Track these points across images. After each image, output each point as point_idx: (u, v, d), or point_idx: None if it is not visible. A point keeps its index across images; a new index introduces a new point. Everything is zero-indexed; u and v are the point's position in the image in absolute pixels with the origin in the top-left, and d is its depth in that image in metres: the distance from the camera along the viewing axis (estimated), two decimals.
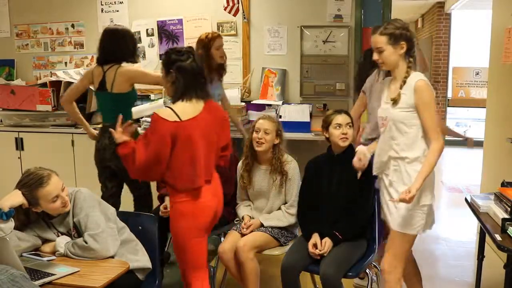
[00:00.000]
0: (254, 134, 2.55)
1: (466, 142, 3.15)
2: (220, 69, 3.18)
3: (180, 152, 1.97)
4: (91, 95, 3.84)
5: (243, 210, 2.66)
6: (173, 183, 2.01)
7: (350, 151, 2.42)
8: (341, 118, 2.39)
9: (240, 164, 2.69)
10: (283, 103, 3.89)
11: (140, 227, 2.17)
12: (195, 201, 2.03)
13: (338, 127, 2.38)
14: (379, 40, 2.04)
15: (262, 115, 2.63)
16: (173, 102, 2.04)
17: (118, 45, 2.80)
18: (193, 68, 2.03)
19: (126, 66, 2.81)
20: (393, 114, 2.04)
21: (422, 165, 1.98)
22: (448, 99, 7.92)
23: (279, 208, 2.59)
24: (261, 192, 2.62)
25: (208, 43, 3.09)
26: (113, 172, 2.85)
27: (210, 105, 2.09)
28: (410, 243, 2.11)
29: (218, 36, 3.14)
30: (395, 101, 2.02)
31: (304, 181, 2.52)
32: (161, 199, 2.77)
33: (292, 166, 2.57)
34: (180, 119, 1.97)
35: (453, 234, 3.88)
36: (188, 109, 2.01)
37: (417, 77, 2.01)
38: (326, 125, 2.43)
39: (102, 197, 2.76)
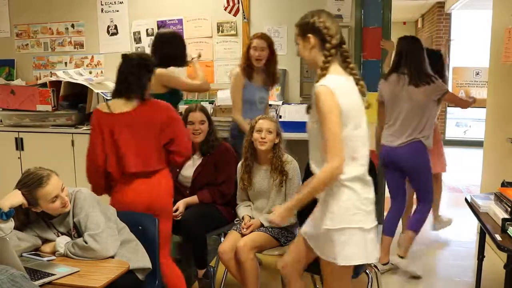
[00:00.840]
0: (256, 134, 2.55)
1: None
2: (273, 76, 3.17)
3: (107, 141, 2.23)
4: (91, 95, 3.84)
5: (243, 210, 2.66)
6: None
7: None
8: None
9: (239, 165, 2.69)
10: (283, 103, 3.88)
11: (140, 227, 2.17)
12: (113, 191, 2.28)
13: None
14: (295, 31, 1.78)
15: (260, 115, 2.64)
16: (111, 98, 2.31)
17: (168, 49, 2.93)
18: (124, 70, 2.28)
19: (160, 70, 2.83)
20: (307, 126, 1.75)
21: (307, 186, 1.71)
22: None
23: None
24: (261, 192, 2.62)
25: (249, 42, 3.15)
26: None
27: (150, 104, 2.27)
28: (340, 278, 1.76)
29: (257, 36, 3.12)
30: (307, 110, 1.73)
31: (304, 180, 2.50)
32: None
33: (293, 166, 2.57)
34: (111, 111, 2.24)
35: (453, 234, 3.87)
36: (121, 104, 2.25)
37: (322, 82, 1.67)
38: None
39: None
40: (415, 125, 2.90)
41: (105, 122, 2.23)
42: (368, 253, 1.71)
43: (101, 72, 4.41)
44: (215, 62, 4.20)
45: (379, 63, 3.78)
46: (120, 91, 2.27)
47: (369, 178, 1.78)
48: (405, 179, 3.07)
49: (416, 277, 3.02)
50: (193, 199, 2.74)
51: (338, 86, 1.67)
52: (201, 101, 3.96)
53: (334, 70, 1.73)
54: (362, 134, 1.75)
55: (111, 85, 4.29)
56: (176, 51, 3.00)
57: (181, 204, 2.69)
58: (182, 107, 3.79)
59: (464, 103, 3.25)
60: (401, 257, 3.08)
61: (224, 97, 3.91)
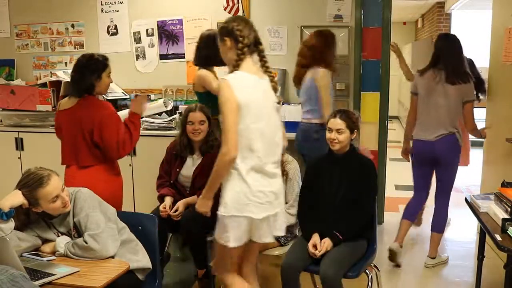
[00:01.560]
0: None
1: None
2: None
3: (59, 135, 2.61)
4: None
5: None
6: None
7: (351, 151, 2.42)
8: (332, 123, 2.38)
9: None
10: (283, 104, 3.86)
11: (140, 227, 2.17)
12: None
13: (329, 131, 2.39)
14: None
15: None
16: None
17: (209, 50, 2.98)
18: (72, 71, 2.55)
19: (200, 70, 3.08)
20: None
21: None
22: None
23: None
24: None
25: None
26: None
27: (86, 102, 2.47)
28: (224, 253, 1.94)
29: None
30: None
31: (305, 181, 2.51)
32: (161, 199, 2.78)
33: (293, 166, 2.57)
34: (59, 109, 2.58)
35: (453, 234, 3.87)
36: (66, 102, 2.57)
37: (226, 76, 1.84)
38: (326, 126, 2.43)
39: None
40: (450, 120, 3.00)
41: (57, 118, 2.61)
42: (257, 238, 1.94)
43: None
44: None
45: (379, 63, 3.78)
46: (69, 90, 2.60)
47: (271, 171, 1.92)
48: (433, 173, 3.17)
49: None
50: (193, 199, 2.73)
51: (239, 81, 1.84)
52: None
53: (245, 67, 1.90)
54: (262, 127, 1.89)
55: (110, 85, 4.30)
56: (216, 52, 3.02)
57: (180, 204, 2.69)
58: (182, 107, 3.81)
59: (470, 127, 3.10)
60: (433, 258, 3.21)
61: None
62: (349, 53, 3.85)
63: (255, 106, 1.86)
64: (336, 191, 2.38)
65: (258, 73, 1.95)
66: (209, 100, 2.96)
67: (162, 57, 4.27)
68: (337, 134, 2.35)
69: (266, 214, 1.91)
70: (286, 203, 2.57)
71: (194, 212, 2.63)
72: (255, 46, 1.95)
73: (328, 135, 2.39)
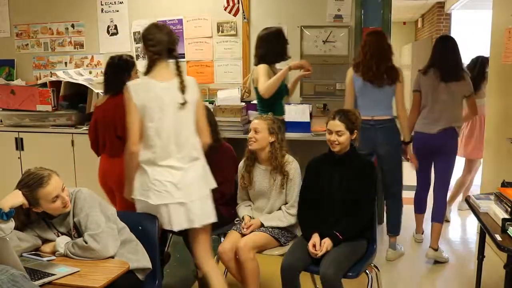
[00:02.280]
0: (249, 134, 2.56)
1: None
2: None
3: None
4: (91, 95, 3.84)
5: (243, 210, 2.66)
6: None
7: (351, 152, 2.42)
8: (332, 125, 2.38)
9: (241, 164, 2.69)
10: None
11: (140, 227, 2.17)
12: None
13: (329, 132, 2.39)
14: None
15: (257, 115, 2.64)
16: None
17: (269, 46, 3.12)
18: (105, 71, 2.93)
19: (260, 66, 3.12)
20: None
21: None
22: None
23: (280, 209, 2.59)
24: (261, 192, 2.62)
25: None
26: None
27: (117, 99, 2.67)
28: None
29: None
30: None
31: (305, 181, 2.51)
32: None
33: (293, 167, 2.57)
34: (95, 105, 3.01)
35: (453, 234, 3.87)
36: (101, 99, 2.99)
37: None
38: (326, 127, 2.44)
39: None
40: (452, 114, 3.20)
41: (94, 113, 2.97)
42: (176, 224, 2.22)
43: (101, 72, 4.40)
44: (215, 62, 4.20)
45: None
46: (103, 88, 2.93)
47: (175, 164, 2.20)
48: (432, 165, 3.35)
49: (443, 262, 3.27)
50: None
51: (137, 86, 2.17)
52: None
53: (155, 72, 2.19)
54: (158, 126, 2.17)
55: None
56: (275, 48, 3.16)
57: None
58: None
59: (475, 114, 3.43)
60: (435, 250, 3.29)
61: (224, 97, 3.92)
62: (349, 53, 3.86)
63: (151, 107, 2.14)
64: (336, 191, 2.38)
65: (167, 77, 2.19)
66: (275, 95, 3.08)
67: None
68: (337, 136, 2.36)
69: (163, 202, 2.17)
70: (287, 203, 2.58)
71: None
72: (169, 52, 2.21)
73: (327, 136, 2.40)
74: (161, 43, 2.18)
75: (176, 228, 2.22)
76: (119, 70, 2.83)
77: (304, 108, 3.73)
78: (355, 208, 2.35)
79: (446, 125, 3.19)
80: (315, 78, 3.95)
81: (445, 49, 3.22)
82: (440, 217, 3.30)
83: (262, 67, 3.10)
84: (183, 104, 2.18)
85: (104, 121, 2.86)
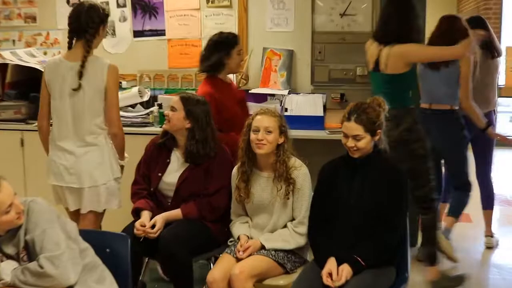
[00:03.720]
0: (252, 135, 2.55)
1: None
2: None
3: None
4: None
5: (239, 228, 2.66)
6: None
7: (375, 154, 2.43)
8: (347, 128, 2.40)
9: (234, 171, 2.69)
10: (289, 93, 3.91)
11: (108, 250, 2.17)
12: None
13: (345, 136, 2.41)
14: None
15: (260, 109, 2.63)
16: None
17: (405, 21, 3.08)
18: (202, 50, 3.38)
19: (401, 46, 3.06)
20: None
21: None
22: (500, 87, 7.90)
23: (285, 226, 2.59)
24: (262, 205, 2.62)
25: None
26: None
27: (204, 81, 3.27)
28: None
29: None
30: None
31: (317, 191, 2.52)
32: (136, 213, 2.78)
33: (302, 173, 2.57)
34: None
35: (506, 260, 3.89)
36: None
37: None
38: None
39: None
40: (486, 96, 3.76)
41: None
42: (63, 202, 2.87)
43: (59, 52, 4.42)
44: (203, 41, 4.19)
45: None
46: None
47: (68, 148, 2.78)
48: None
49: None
50: (176, 213, 2.74)
51: (50, 62, 2.89)
52: (186, 89, 3.97)
53: (70, 52, 2.81)
54: (57, 106, 2.80)
55: None
56: (411, 24, 3.13)
57: (159, 219, 2.69)
58: (162, 97, 3.80)
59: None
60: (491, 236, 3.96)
61: None
62: (373, 29, 3.84)
63: (53, 86, 2.79)
64: (357, 203, 2.39)
65: (77, 58, 2.74)
66: (411, 81, 3.14)
67: (137, 34, 4.29)
68: (355, 141, 2.37)
69: (55, 183, 2.81)
70: (294, 219, 2.59)
71: (177, 230, 2.67)
72: (85, 31, 2.74)
73: (343, 141, 2.42)
74: (77, 22, 2.74)
75: (71, 207, 2.84)
76: (215, 49, 3.17)
77: (316, 99, 3.75)
78: (381, 225, 2.35)
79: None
80: (330, 61, 3.96)
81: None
82: (491, 203, 3.88)
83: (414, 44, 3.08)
84: (75, 89, 2.71)
85: None
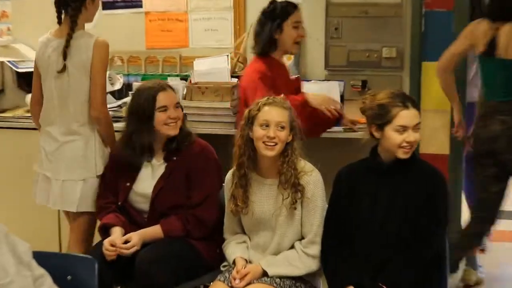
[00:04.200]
0: (260, 131, 2.54)
1: None
2: None
3: None
4: None
5: (234, 249, 2.66)
6: None
7: (409, 158, 2.42)
8: (407, 117, 2.38)
9: (229, 177, 2.69)
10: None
11: (69, 276, 2.17)
12: None
13: (402, 130, 2.38)
14: None
15: (266, 99, 2.62)
16: None
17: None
18: None
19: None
20: None
21: None
22: None
23: (293, 246, 2.60)
24: (264, 219, 2.62)
25: None
26: (503, 169, 3.28)
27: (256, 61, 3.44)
28: None
29: None
30: None
31: (333, 203, 2.53)
32: (104, 231, 2.77)
33: (313, 179, 2.58)
34: None
35: None
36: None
37: None
38: (380, 119, 2.42)
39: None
40: None
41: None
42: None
43: (8, 29, 4.41)
44: (190, 15, 4.23)
45: (451, 16, 3.76)
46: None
47: (53, 134, 3.01)
48: None
49: None
50: (155, 230, 2.73)
51: (41, 40, 3.05)
52: (168, 75, 3.97)
53: (58, 29, 3.02)
54: (47, 87, 3.01)
55: (24, 49, 4.29)
56: None
57: (135, 236, 2.69)
58: (138, 85, 3.80)
59: None
60: None
61: (204, 69, 3.93)
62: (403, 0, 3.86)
63: (41, 67, 3.02)
64: (384, 219, 2.39)
65: (62, 34, 2.95)
66: None
67: (107, 5, 4.27)
68: (415, 133, 2.38)
69: (37, 169, 3.06)
70: (303, 238, 2.59)
71: (157, 251, 2.64)
72: (67, 5, 2.92)
73: (397, 138, 2.38)
74: None
75: (37, 201, 3.09)
76: (265, 22, 3.28)
77: (331, 88, 3.75)
78: (413, 245, 2.35)
79: None
80: (349, 39, 3.96)
81: None
82: None
83: None
84: (60, 71, 2.90)
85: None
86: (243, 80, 3.42)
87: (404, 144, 2.37)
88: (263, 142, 2.53)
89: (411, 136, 2.37)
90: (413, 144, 2.39)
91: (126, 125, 2.91)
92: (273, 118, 2.54)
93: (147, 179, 2.83)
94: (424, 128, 2.82)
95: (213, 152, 2.89)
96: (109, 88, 3.88)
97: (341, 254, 2.45)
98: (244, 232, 2.71)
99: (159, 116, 2.78)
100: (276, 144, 2.53)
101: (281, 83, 3.24)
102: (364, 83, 3.95)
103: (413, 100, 2.45)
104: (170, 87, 2.92)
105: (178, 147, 2.82)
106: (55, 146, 2.98)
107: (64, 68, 2.89)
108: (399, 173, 2.42)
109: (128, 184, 2.83)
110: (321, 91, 3.68)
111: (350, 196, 2.47)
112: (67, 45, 2.88)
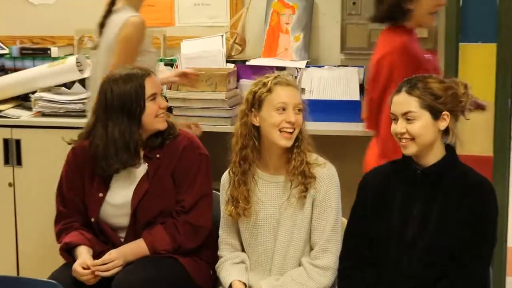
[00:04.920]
0: (277, 116, 2.55)
1: None
2: None
3: None
4: None
5: (231, 271, 2.66)
6: None
7: (448, 161, 2.42)
8: (396, 102, 2.42)
9: (225, 177, 2.72)
10: (308, 65, 3.93)
11: None
12: None
13: (393, 118, 2.42)
14: None
15: (274, 77, 2.62)
16: None
17: None
18: None
19: None
20: None
21: None
22: None
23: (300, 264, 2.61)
24: (266, 224, 2.64)
25: None
26: None
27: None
28: None
29: None
30: None
31: (355, 214, 2.53)
32: (67, 253, 2.77)
33: (327, 173, 2.61)
34: None
35: None
36: None
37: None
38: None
39: None
40: None
41: None
42: None
43: None
44: None
45: None
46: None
47: None
48: None
49: None
50: (137, 246, 2.74)
51: None
52: None
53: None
54: None
55: None
56: None
57: (115, 254, 2.69)
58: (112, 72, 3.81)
59: None
60: None
61: (194, 52, 3.96)
62: None
63: None
64: (418, 239, 2.38)
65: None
66: None
67: None
68: (406, 123, 2.37)
69: None
70: (312, 248, 2.60)
71: (139, 271, 2.63)
72: None
73: (392, 127, 2.44)
74: None
75: None
76: None
77: (349, 75, 3.78)
78: (452, 269, 2.34)
79: None
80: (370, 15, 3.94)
81: None
82: None
83: None
84: (92, 48, 3.28)
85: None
86: (384, 59, 3.17)
87: (395, 135, 2.43)
88: (280, 130, 2.55)
89: (399, 126, 2.40)
90: (402, 137, 2.41)
91: (101, 123, 2.81)
92: (291, 100, 2.58)
93: (123, 186, 2.82)
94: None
95: (200, 145, 2.91)
96: (77, 75, 3.91)
97: (363, 278, 2.45)
98: (242, 249, 2.72)
99: (151, 107, 2.79)
100: (294, 129, 2.57)
101: (425, 62, 3.22)
102: None
103: (423, 82, 2.42)
104: (152, 72, 2.92)
105: (163, 142, 2.84)
106: None
107: (96, 46, 3.24)
108: (437, 181, 2.41)
109: (101, 194, 2.81)
110: (336, 79, 3.69)
111: (377, 207, 2.47)
112: (103, 24, 3.18)
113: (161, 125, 2.83)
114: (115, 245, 2.79)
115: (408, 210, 2.42)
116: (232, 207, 2.65)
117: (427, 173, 2.42)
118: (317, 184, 2.58)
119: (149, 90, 2.79)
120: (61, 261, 2.82)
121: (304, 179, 2.57)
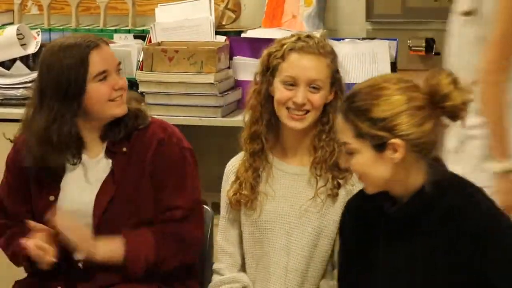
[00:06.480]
0: (283, 91, 2.63)
1: None
2: None
3: None
4: None
5: None
6: None
7: (425, 196, 2.32)
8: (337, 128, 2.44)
9: (233, 164, 2.85)
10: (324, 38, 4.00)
11: None
12: None
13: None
14: None
15: (294, 39, 2.68)
16: None
17: None
18: None
19: None
20: None
21: None
22: None
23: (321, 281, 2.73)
24: (278, 231, 2.71)
25: None
26: None
27: None
28: None
29: None
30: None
31: (343, 249, 2.55)
32: (17, 258, 2.86)
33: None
34: None
35: None
36: None
37: None
38: None
39: None
40: None
41: None
42: None
43: None
44: None
45: None
46: None
47: None
48: None
49: None
50: (112, 241, 2.74)
51: None
52: (114, 31, 4.06)
53: None
54: None
55: None
56: None
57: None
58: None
59: None
60: None
61: (172, 21, 3.99)
62: None
63: None
64: (404, 283, 2.38)
65: None
66: None
67: None
68: (348, 156, 2.31)
69: None
70: (334, 267, 2.73)
71: None
72: None
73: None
74: None
75: None
76: None
77: (377, 50, 3.91)
78: None
79: None
80: None
81: None
82: None
83: None
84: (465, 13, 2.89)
85: None
86: None
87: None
88: (287, 108, 2.64)
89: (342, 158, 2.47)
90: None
91: (34, 109, 2.83)
92: (303, 74, 2.63)
93: (78, 187, 2.90)
94: None
95: (181, 136, 2.99)
96: (19, 51, 3.92)
97: None
98: (243, 262, 2.81)
99: (98, 89, 2.80)
100: (307, 111, 2.63)
101: None
102: (430, 43, 4.06)
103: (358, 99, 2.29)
104: (104, 41, 2.95)
105: (129, 133, 2.90)
106: None
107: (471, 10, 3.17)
108: (416, 225, 2.37)
109: (51, 198, 2.88)
110: (360, 55, 3.84)
111: (359, 243, 2.48)
112: None
113: (118, 111, 2.84)
114: (69, 273, 2.84)
115: (393, 249, 2.37)
116: (233, 193, 2.74)
117: (400, 215, 2.37)
118: (355, 179, 2.56)
119: (95, 66, 2.78)
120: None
121: (337, 172, 2.64)
